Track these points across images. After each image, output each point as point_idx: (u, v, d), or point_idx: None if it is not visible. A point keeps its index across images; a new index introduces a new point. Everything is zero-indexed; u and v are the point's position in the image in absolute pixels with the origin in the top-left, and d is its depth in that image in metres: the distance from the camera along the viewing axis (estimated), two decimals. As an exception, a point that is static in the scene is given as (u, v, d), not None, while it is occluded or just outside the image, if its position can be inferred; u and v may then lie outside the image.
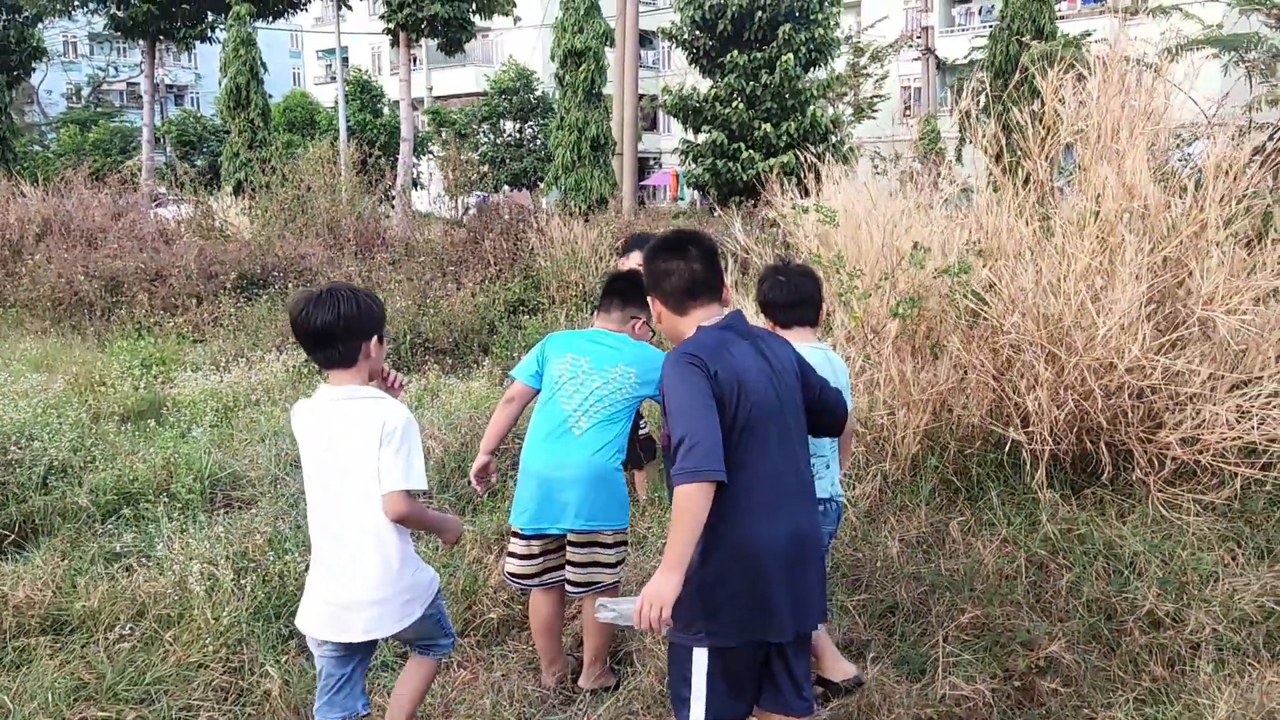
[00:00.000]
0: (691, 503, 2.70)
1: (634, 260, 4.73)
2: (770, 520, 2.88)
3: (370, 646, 3.29)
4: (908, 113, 35.89)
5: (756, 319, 3.93)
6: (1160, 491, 5.36)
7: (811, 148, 10.70)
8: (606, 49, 26.07)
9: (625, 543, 4.14)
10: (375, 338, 3.12)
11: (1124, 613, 4.53)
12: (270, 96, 29.64)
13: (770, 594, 2.85)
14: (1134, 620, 4.45)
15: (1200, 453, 5.42)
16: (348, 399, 3.09)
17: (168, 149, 40.61)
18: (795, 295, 3.94)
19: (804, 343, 3.72)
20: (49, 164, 30.30)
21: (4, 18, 30.96)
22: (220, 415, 7.99)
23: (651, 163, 49.92)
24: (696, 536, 2.72)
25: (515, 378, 4.26)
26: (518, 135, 44.19)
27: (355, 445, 3.04)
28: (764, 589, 2.85)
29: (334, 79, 41.17)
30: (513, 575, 4.16)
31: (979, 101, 7.69)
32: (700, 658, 2.86)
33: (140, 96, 35.88)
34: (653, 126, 48.36)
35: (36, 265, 13.44)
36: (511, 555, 4.17)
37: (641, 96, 28.43)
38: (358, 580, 3.10)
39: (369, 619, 3.11)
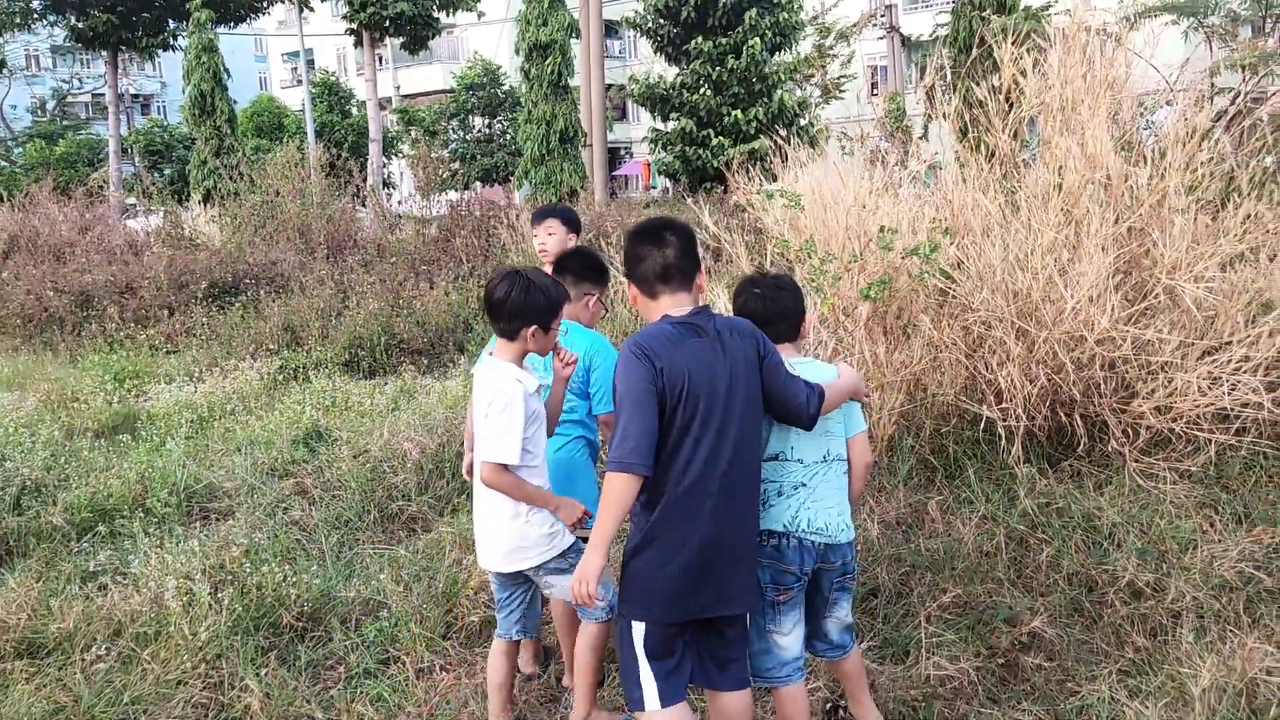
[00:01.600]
0: (616, 491, 2.96)
1: (546, 228, 4.65)
2: (699, 511, 3.05)
3: (516, 579, 3.65)
4: (875, 92, 35.91)
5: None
6: (1136, 461, 5.37)
7: (780, 132, 10.69)
8: (572, 40, 26.00)
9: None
10: (535, 327, 3.45)
11: (1105, 584, 4.54)
12: (236, 102, 29.46)
13: (694, 577, 3.06)
14: (1115, 592, 4.46)
15: (1174, 421, 5.43)
16: (489, 369, 3.54)
17: (136, 159, 40.25)
18: (772, 308, 3.49)
19: (786, 358, 3.39)
20: (15, 179, 29.97)
21: (-38, 34, 30.64)
22: (195, 426, 7.93)
23: (622, 153, 49.81)
24: (619, 520, 2.99)
25: None
26: (487, 131, 44.03)
27: (476, 409, 3.56)
28: (691, 573, 3.06)
29: (300, 82, 40.88)
30: None
31: (943, 77, 7.68)
32: (638, 632, 3.10)
33: (105, 107, 35.53)
34: (622, 116, 48.25)
35: (4, 282, 13.33)
36: None
37: (609, 86, 28.37)
38: (481, 519, 3.61)
39: (484, 554, 3.61)
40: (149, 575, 4.86)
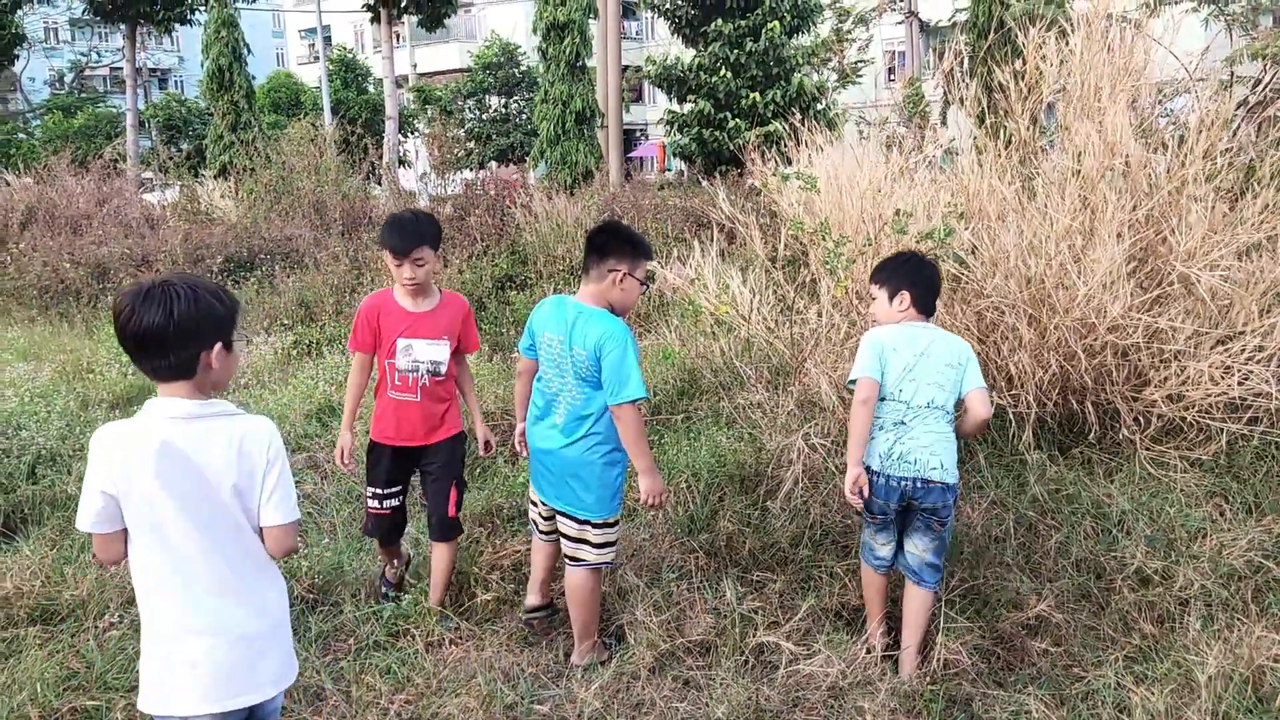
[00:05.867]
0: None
1: (414, 260, 4.23)
2: None
3: None
4: (892, 77, 35.69)
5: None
6: (1147, 450, 5.36)
7: (798, 115, 10.63)
8: (589, 20, 25.89)
9: (612, 525, 4.06)
10: (218, 345, 2.54)
11: (1113, 571, 4.54)
12: (254, 78, 29.45)
13: None
14: (1123, 579, 4.46)
15: (1186, 409, 5.42)
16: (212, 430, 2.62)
17: (152, 133, 40.34)
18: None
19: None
20: (34, 151, 30.07)
21: (-17, 5, 30.66)
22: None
23: (638, 134, 49.68)
24: None
25: (519, 351, 4.26)
26: (503, 110, 43.94)
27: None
28: None
29: (317, 58, 40.85)
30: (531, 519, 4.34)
31: (962, 62, 7.63)
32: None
33: (123, 81, 35.59)
34: (639, 98, 48.12)
35: (22, 254, 13.37)
36: (531, 503, 4.29)
37: (626, 68, 28.27)
38: None
39: None
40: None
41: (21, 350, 10.29)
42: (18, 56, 34.26)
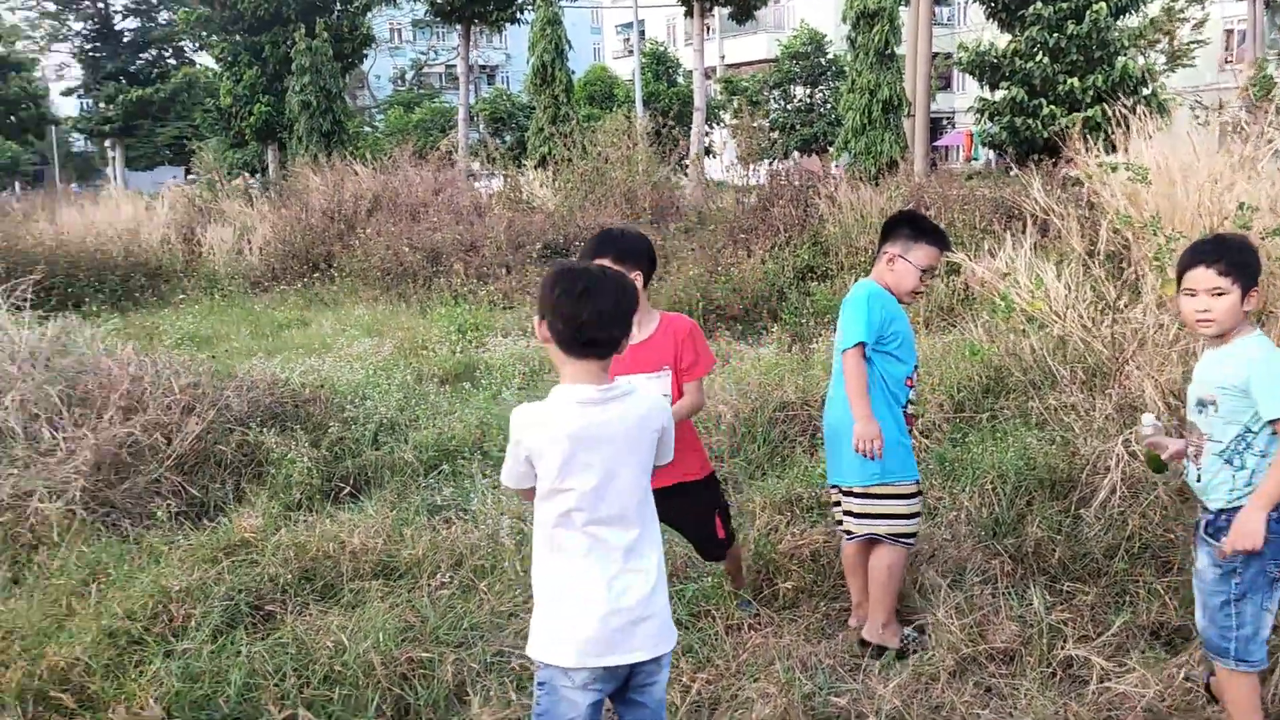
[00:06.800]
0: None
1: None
2: None
3: None
4: (1230, 59, 32.56)
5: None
6: None
7: (1123, 101, 9.91)
8: (900, 8, 25.32)
9: (882, 496, 4.08)
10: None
11: None
12: (573, 73, 30.86)
13: None
14: None
15: None
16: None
17: (480, 126, 43.15)
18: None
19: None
20: (377, 144, 32.92)
21: (338, 8, 33.85)
22: (527, 378, 8.48)
23: (944, 123, 48.12)
24: None
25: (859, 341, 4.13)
26: (808, 100, 43.75)
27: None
28: None
29: (631, 52, 42.28)
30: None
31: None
32: None
33: (457, 78, 38.34)
34: (946, 86, 46.56)
35: (367, 238, 14.70)
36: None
37: (935, 55, 27.42)
38: None
39: None
40: (486, 513, 5.29)
41: (366, 326, 11.34)
42: (366, 55, 37.66)
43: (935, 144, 38.01)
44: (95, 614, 4.15)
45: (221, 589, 4.43)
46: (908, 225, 4.19)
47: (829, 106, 41.97)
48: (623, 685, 2.77)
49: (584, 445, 2.69)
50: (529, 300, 11.98)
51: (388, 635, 4.00)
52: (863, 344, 4.02)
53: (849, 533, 4.21)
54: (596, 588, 2.69)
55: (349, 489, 5.97)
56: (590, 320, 2.67)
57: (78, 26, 50.15)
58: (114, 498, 5.49)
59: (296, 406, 6.85)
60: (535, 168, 22.39)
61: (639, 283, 3.82)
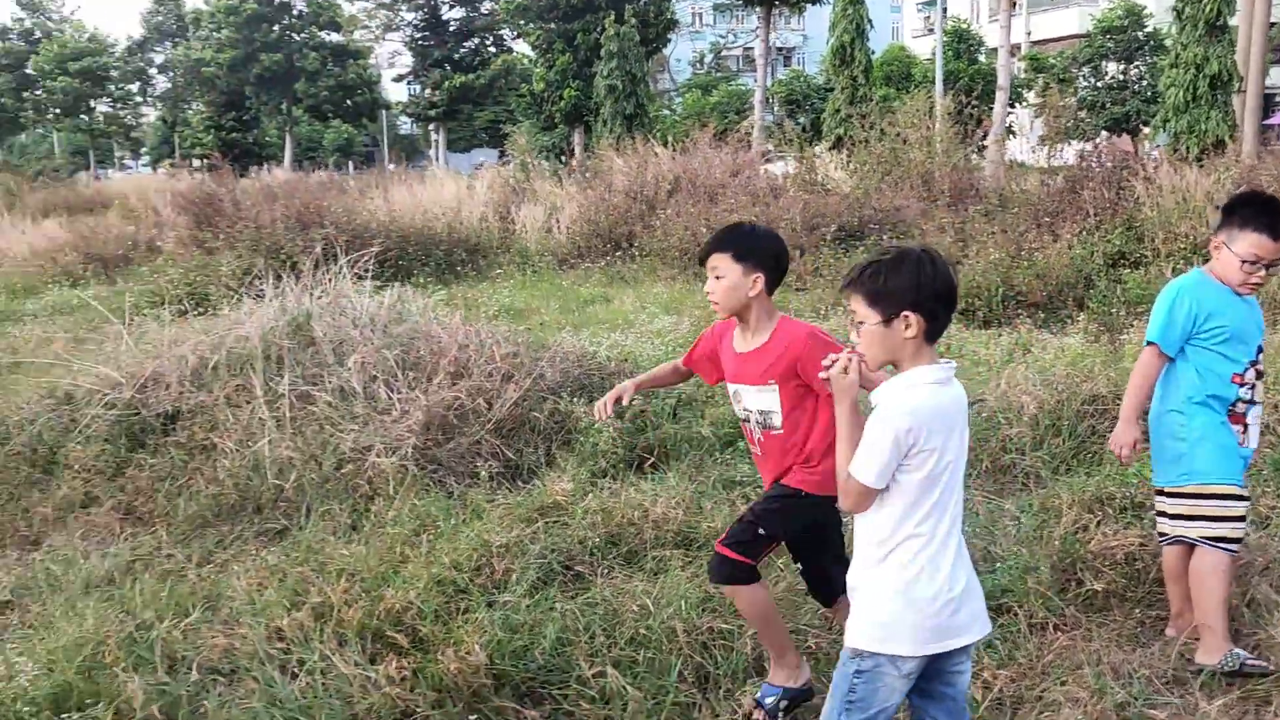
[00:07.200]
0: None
1: (711, 268, 3.67)
2: None
3: None
4: None
5: None
6: None
7: None
8: (1240, -26, 23.18)
9: (1193, 497, 3.87)
10: None
11: None
12: (872, 52, 30.34)
13: None
14: None
15: None
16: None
17: (775, 108, 43.21)
18: None
19: None
20: (676, 126, 33.67)
21: (646, -7, 34.90)
22: (821, 361, 8.46)
23: (1278, 99, 43.50)
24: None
25: (1149, 342, 3.98)
26: (1121, 77, 40.78)
27: None
28: None
29: (931, 31, 40.95)
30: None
31: None
32: None
33: (754, 60, 38.55)
34: (1281, 60, 42.06)
35: (667, 219, 15.10)
36: None
37: (1273, 25, 24.90)
38: None
39: None
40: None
41: (665, 304, 11.69)
42: (669, 40, 38.54)
43: (1266, 122, 34.55)
44: (426, 563, 4.53)
45: (536, 548, 4.76)
46: (1239, 209, 3.92)
47: (1144, 83, 39.00)
48: (928, 676, 2.77)
49: (948, 427, 2.68)
50: (821, 282, 11.91)
51: (690, 604, 4.16)
52: (1154, 344, 3.91)
53: (1163, 534, 4.07)
54: (941, 575, 2.68)
55: (651, 460, 6.21)
56: (956, 284, 2.68)
57: (409, 17, 54.36)
58: (441, 456, 5.99)
59: (603, 379, 7.19)
60: (830, 149, 22.20)
61: (759, 286, 3.56)
